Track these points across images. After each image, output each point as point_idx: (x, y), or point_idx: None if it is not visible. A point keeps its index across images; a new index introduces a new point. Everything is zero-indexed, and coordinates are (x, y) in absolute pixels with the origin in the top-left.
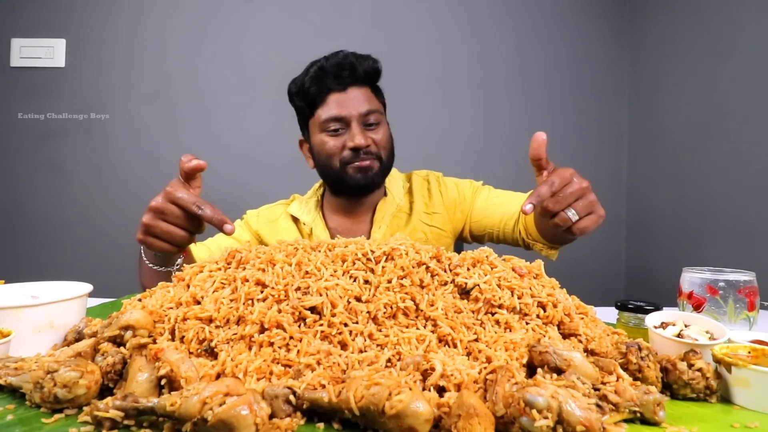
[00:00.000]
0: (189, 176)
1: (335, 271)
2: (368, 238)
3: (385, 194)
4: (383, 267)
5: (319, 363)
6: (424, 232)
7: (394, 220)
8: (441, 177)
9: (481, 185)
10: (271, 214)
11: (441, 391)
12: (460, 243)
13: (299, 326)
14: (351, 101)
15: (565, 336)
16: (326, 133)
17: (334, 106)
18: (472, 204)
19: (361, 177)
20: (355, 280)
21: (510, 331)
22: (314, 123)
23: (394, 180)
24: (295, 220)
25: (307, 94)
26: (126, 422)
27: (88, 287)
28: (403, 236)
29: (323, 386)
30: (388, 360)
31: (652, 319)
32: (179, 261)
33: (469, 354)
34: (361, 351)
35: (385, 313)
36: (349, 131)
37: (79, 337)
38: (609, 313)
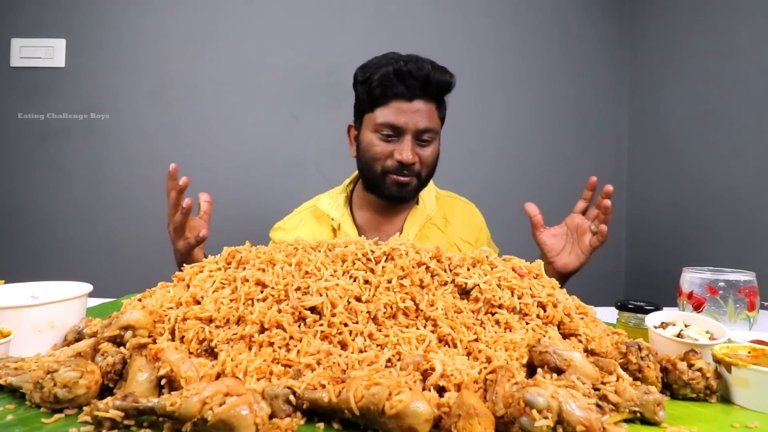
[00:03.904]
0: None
1: (335, 271)
2: None
3: (417, 203)
4: (383, 267)
5: (319, 363)
6: None
7: (424, 230)
8: (480, 215)
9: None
10: (292, 222)
11: (441, 391)
12: None
13: (299, 326)
14: (412, 114)
15: (565, 336)
16: (377, 135)
17: (394, 112)
18: None
19: (396, 191)
20: (355, 280)
21: (510, 331)
22: (369, 119)
23: (427, 189)
24: (318, 218)
25: (371, 91)
26: (126, 422)
27: (88, 287)
28: (404, 237)
29: (323, 386)
30: (388, 360)
31: (652, 319)
32: None
33: (469, 354)
34: (361, 351)
35: (385, 313)
36: (400, 142)
37: (79, 337)
38: (609, 313)
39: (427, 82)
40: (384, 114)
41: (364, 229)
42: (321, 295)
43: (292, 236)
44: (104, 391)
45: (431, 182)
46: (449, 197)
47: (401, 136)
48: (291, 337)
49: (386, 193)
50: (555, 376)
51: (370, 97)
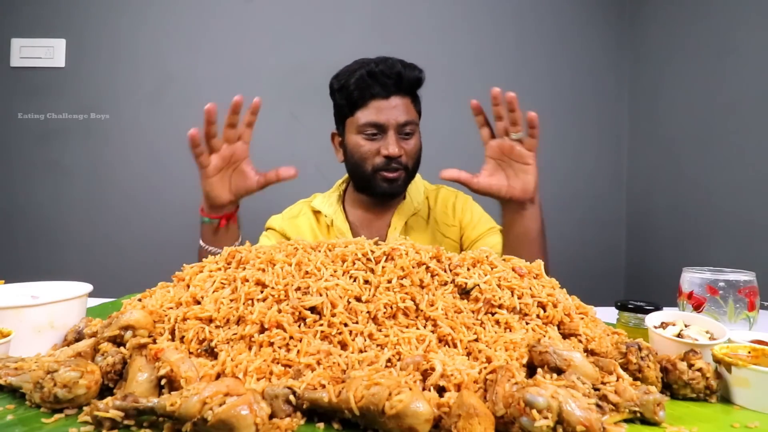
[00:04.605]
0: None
1: (335, 271)
2: (385, 235)
3: (404, 198)
4: (383, 267)
5: (319, 363)
6: (440, 242)
7: (410, 222)
8: (469, 199)
9: (499, 230)
10: (292, 211)
11: (441, 391)
12: None
13: (299, 326)
14: (391, 110)
15: (565, 336)
16: (362, 136)
17: (374, 111)
18: (479, 239)
19: (387, 186)
20: (355, 280)
21: (510, 331)
22: (352, 123)
23: (415, 184)
24: (316, 214)
25: (350, 95)
26: (126, 422)
27: (88, 287)
28: (403, 237)
29: (323, 386)
30: (388, 360)
31: (652, 319)
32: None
33: (469, 354)
34: (361, 351)
35: (385, 313)
36: (384, 138)
37: (79, 337)
38: (609, 313)
39: (399, 78)
40: (365, 115)
41: (356, 225)
42: (321, 295)
43: (292, 224)
44: (104, 391)
45: (420, 178)
46: (436, 189)
47: (384, 132)
48: (291, 337)
49: (378, 190)
50: (555, 376)
51: (349, 101)
